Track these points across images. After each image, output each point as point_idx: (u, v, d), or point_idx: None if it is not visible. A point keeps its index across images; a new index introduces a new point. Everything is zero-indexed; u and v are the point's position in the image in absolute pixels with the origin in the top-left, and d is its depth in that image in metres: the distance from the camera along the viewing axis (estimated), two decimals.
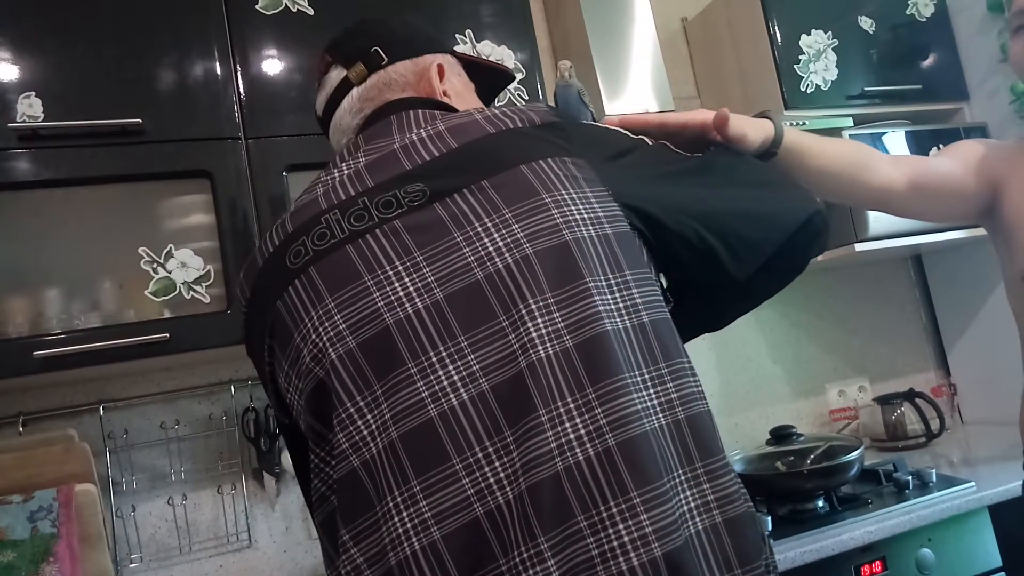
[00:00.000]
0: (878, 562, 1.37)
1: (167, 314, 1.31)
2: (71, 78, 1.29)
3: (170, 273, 1.31)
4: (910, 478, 1.52)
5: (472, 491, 0.63)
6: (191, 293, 1.32)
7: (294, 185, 1.39)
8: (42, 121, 1.26)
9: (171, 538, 1.53)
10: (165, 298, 1.31)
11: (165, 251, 1.32)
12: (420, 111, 0.81)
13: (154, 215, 1.34)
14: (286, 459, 1.55)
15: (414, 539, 0.63)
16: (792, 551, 1.31)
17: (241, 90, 1.39)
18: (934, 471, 1.54)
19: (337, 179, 0.77)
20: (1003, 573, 1.44)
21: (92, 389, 1.53)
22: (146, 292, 1.30)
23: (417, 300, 0.68)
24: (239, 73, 1.39)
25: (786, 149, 0.92)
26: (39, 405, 1.48)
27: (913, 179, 1.03)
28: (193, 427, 1.58)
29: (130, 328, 1.26)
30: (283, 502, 1.62)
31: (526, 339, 0.66)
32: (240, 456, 1.59)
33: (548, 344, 0.65)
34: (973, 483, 1.48)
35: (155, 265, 1.31)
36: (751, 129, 0.88)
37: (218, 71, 1.38)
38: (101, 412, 1.51)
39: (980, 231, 1.88)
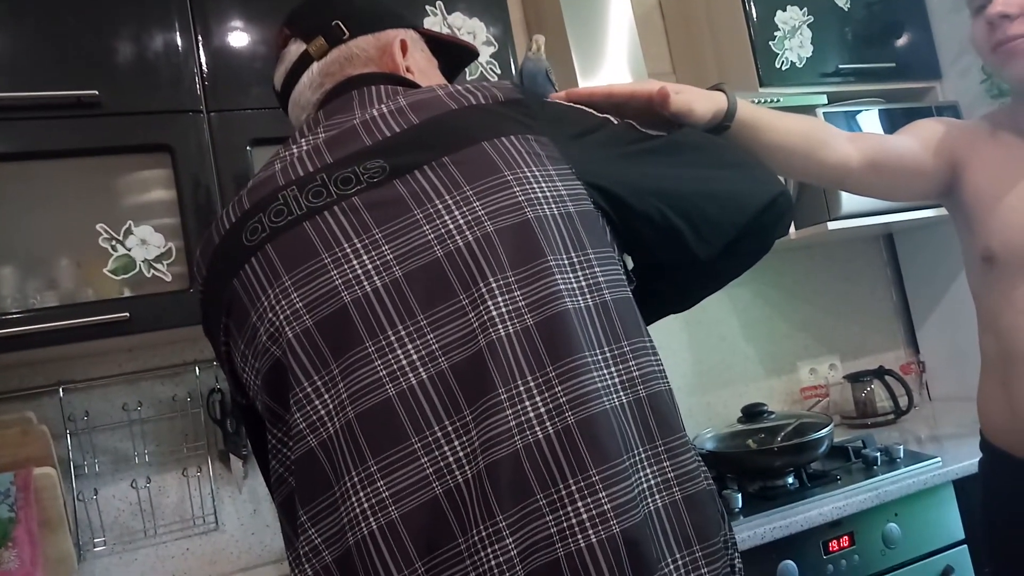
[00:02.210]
0: (845, 537, 1.39)
1: (127, 293, 1.27)
2: (24, 48, 1.24)
3: (130, 251, 1.27)
4: (878, 454, 1.54)
5: (431, 470, 0.62)
6: (152, 271, 1.28)
7: (258, 160, 1.35)
8: None
9: (135, 521, 1.50)
10: (125, 276, 1.27)
11: (124, 228, 1.27)
12: (382, 86, 0.80)
13: (112, 190, 1.30)
14: None
15: (371, 519, 0.62)
16: (761, 527, 1.32)
17: (203, 61, 1.34)
18: (902, 447, 1.56)
19: (296, 155, 0.75)
20: (966, 546, 1.47)
21: (51, 370, 1.48)
22: (105, 270, 1.26)
23: (376, 278, 0.67)
24: (200, 43, 1.35)
25: (740, 123, 0.90)
26: None
27: (870, 157, 1.02)
28: (157, 409, 1.55)
29: (88, 307, 1.23)
30: (250, 484, 1.59)
31: (486, 317, 0.65)
32: (206, 438, 1.56)
33: (508, 322, 0.65)
34: (939, 458, 1.50)
35: (114, 242, 1.27)
36: (700, 103, 0.87)
37: (179, 41, 1.33)
38: (61, 394, 1.47)
39: None
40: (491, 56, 1.55)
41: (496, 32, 1.56)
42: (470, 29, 1.54)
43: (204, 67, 1.34)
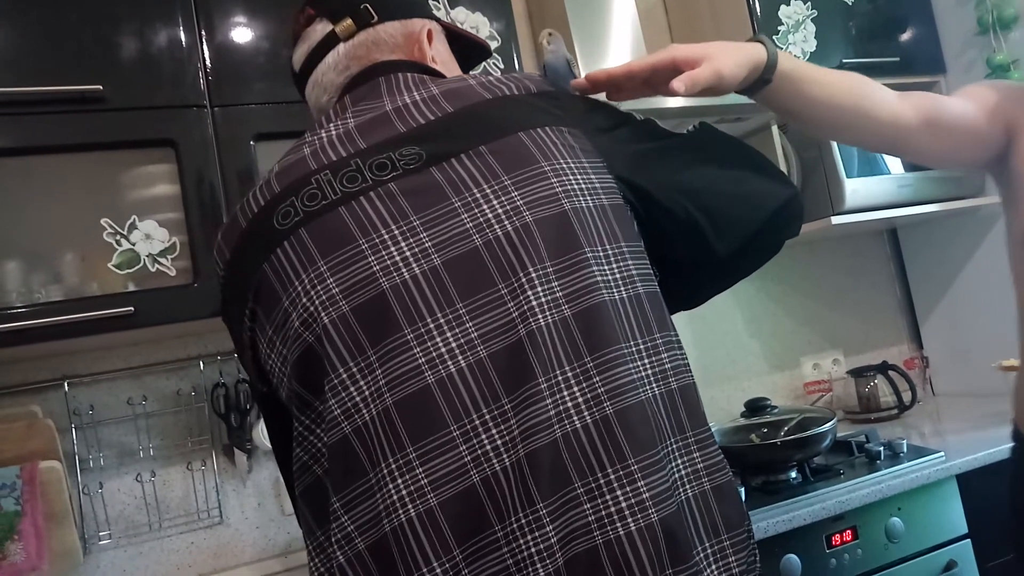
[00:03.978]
0: (849, 531, 1.39)
1: (131, 287, 1.27)
2: (27, 43, 1.24)
3: (134, 245, 1.28)
4: (881, 449, 1.54)
5: (469, 458, 0.63)
6: (156, 266, 1.28)
7: (262, 155, 1.35)
8: None
9: (140, 515, 1.51)
10: (129, 271, 1.27)
11: (128, 222, 1.28)
12: (410, 74, 0.80)
13: (117, 185, 1.30)
14: (257, 435, 1.53)
15: (410, 506, 0.62)
16: (764, 521, 1.32)
17: (206, 56, 1.34)
18: (905, 442, 1.56)
19: (325, 139, 0.75)
20: (969, 540, 1.47)
21: (56, 365, 1.49)
22: (109, 265, 1.26)
23: (414, 265, 0.67)
24: (204, 38, 1.35)
25: (781, 75, 0.83)
26: (0, 382, 1.44)
27: (926, 116, 0.92)
28: (161, 403, 1.55)
29: (93, 302, 1.23)
30: (255, 478, 1.60)
31: (525, 307, 0.65)
32: (210, 432, 1.56)
33: (547, 313, 0.65)
34: (942, 453, 1.50)
35: (118, 237, 1.27)
36: (729, 67, 0.78)
37: (182, 36, 1.33)
38: (66, 388, 1.47)
39: (954, 206, 1.89)
40: (494, 51, 1.55)
41: (499, 27, 1.56)
42: (473, 23, 1.54)
43: (208, 62, 1.34)
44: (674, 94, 0.77)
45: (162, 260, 1.29)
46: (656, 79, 0.80)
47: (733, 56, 0.79)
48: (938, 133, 0.93)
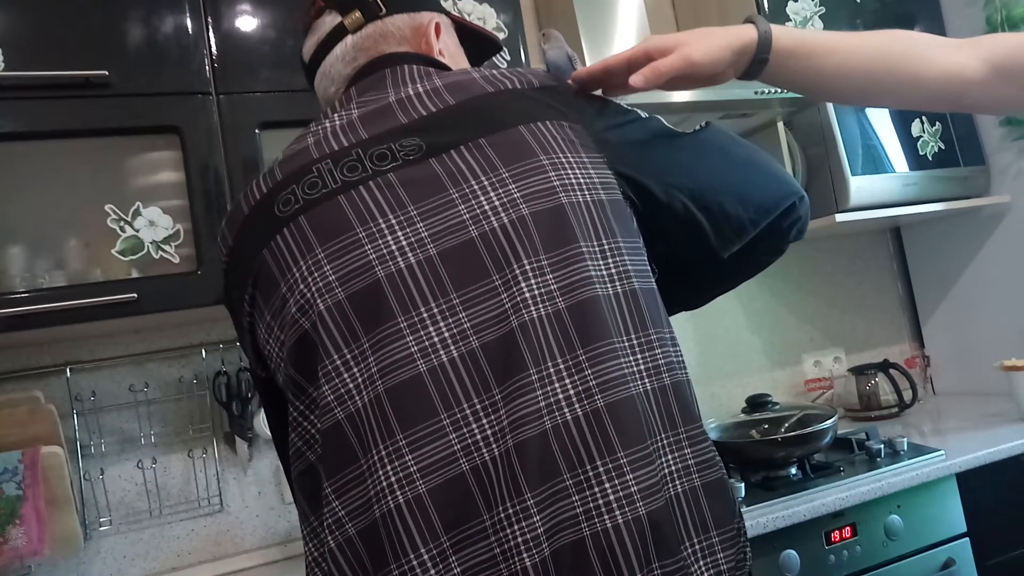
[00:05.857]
0: (848, 528, 1.39)
1: (135, 274, 1.27)
2: (33, 26, 1.23)
3: (138, 232, 1.27)
4: (882, 446, 1.54)
5: (458, 446, 0.63)
6: (160, 253, 1.28)
7: (267, 143, 1.35)
8: (2, 71, 1.20)
9: (141, 501, 1.51)
10: (133, 257, 1.27)
11: (132, 209, 1.28)
12: (415, 67, 0.80)
13: (121, 171, 1.30)
14: (258, 423, 1.54)
15: (398, 492, 0.62)
16: (764, 516, 1.32)
17: (212, 43, 1.34)
18: (905, 440, 1.56)
19: (329, 129, 0.75)
20: (968, 539, 1.47)
21: (59, 351, 1.49)
22: (113, 251, 1.26)
23: (410, 255, 0.67)
24: (211, 25, 1.34)
25: (783, 53, 0.78)
26: (3, 366, 1.45)
27: (996, 63, 0.80)
28: (163, 390, 1.55)
29: (96, 288, 1.23)
30: (256, 467, 1.60)
31: (519, 299, 0.66)
32: (211, 420, 1.57)
33: (540, 305, 0.66)
34: (942, 451, 1.50)
35: (122, 223, 1.27)
36: (700, 52, 0.75)
37: (189, 23, 1.33)
38: (68, 374, 1.47)
39: (958, 205, 1.89)
40: (501, 41, 1.54)
41: (506, 19, 1.56)
42: (480, 15, 1.54)
43: (214, 49, 1.34)
44: (636, 89, 0.75)
45: (166, 247, 1.29)
46: (632, 71, 0.77)
47: (708, 41, 0.75)
48: (1014, 79, 0.81)
